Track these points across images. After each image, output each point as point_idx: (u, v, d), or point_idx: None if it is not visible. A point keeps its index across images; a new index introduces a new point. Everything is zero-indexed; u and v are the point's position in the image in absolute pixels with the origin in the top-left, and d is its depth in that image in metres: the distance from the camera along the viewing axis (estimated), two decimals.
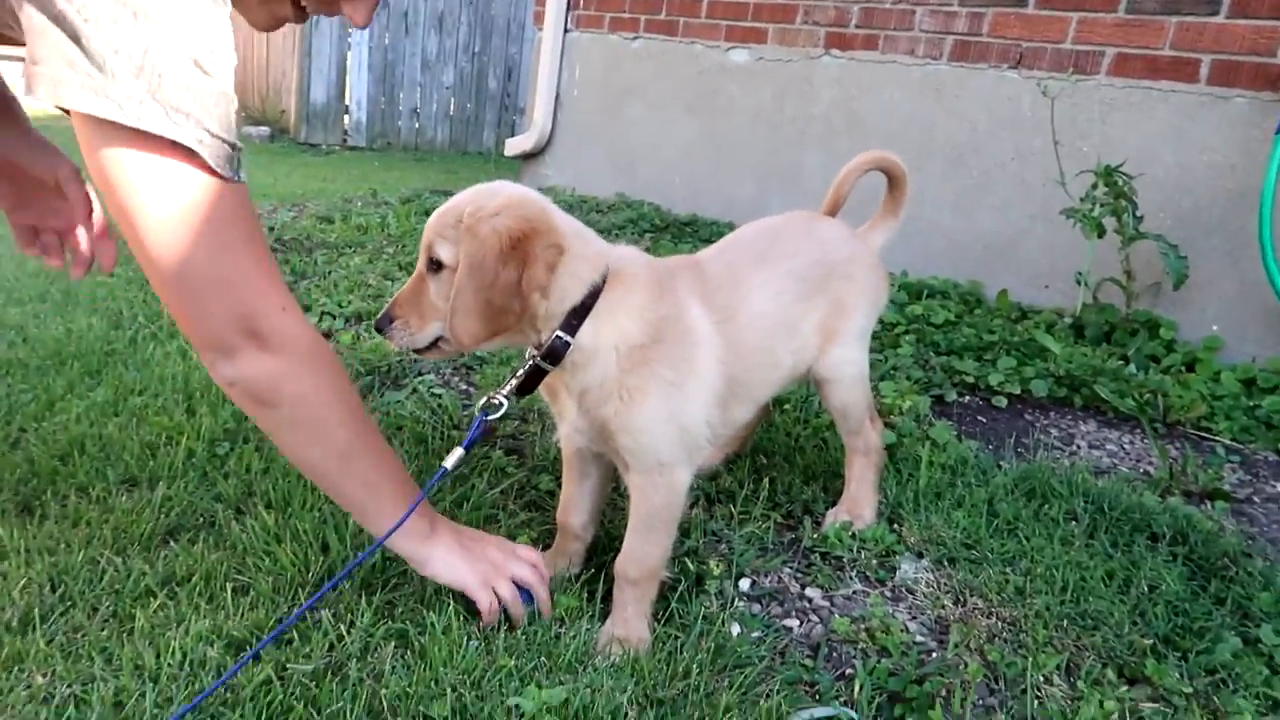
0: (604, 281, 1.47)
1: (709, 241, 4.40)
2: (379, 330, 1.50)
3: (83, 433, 2.02)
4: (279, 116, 9.76)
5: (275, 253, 3.62)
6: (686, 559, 1.71)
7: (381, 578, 1.61)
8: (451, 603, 1.49)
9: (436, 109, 10.11)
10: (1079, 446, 2.52)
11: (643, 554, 1.55)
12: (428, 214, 4.38)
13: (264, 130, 9.49)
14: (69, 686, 1.29)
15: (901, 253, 4.01)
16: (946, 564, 1.74)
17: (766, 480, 1.99)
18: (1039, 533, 1.82)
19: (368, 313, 2.92)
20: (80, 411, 2.12)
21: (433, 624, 1.45)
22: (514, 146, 6.01)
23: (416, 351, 1.52)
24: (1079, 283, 3.30)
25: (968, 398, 2.78)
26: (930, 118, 3.92)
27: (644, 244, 4.22)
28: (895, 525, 1.86)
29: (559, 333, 1.45)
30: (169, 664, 1.33)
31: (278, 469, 1.92)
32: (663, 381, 1.48)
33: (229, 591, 1.51)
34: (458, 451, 1.50)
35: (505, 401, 1.53)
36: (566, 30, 5.63)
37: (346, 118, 9.67)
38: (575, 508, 1.68)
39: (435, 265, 1.43)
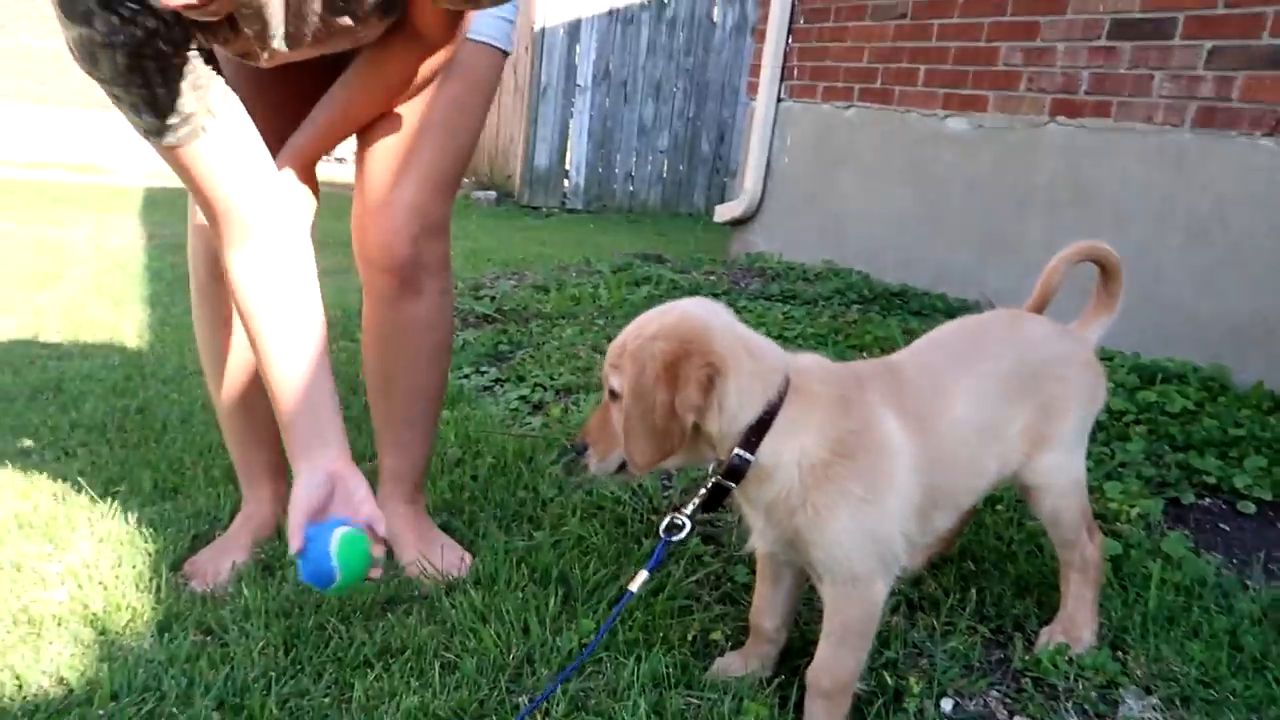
0: (782, 396, 1.47)
1: (919, 313, 4.30)
2: (575, 452, 1.57)
3: None
4: (505, 181, 10.41)
5: (494, 322, 3.84)
6: (884, 671, 1.64)
7: (581, 664, 1.65)
8: (642, 703, 1.50)
9: (650, 172, 10.44)
10: None
11: (836, 665, 1.50)
12: (637, 284, 4.53)
13: (491, 194, 10.13)
14: None
15: (1132, 333, 3.72)
16: (1179, 704, 1.57)
17: (974, 590, 1.89)
18: None
19: (576, 386, 3.03)
20: None
21: (622, 719, 1.47)
22: (723, 213, 6.10)
23: (608, 476, 1.57)
24: None
25: (1208, 501, 2.52)
26: (1169, 188, 3.64)
27: (851, 315, 4.15)
28: (1119, 653, 1.70)
29: (738, 451, 1.45)
30: None
31: (485, 547, 2.02)
32: (853, 498, 1.45)
33: (437, 668, 1.60)
34: (642, 575, 1.53)
35: (688, 522, 1.55)
36: (779, 99, 5.69)
37: (566, 181, 10.16)
38: (768, 610, 1.66)
39: (613, 394, 1.49)
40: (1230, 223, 3.44)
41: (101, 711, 1.48)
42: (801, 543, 1.47)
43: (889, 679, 1.62)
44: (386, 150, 1.84)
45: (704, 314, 1.49)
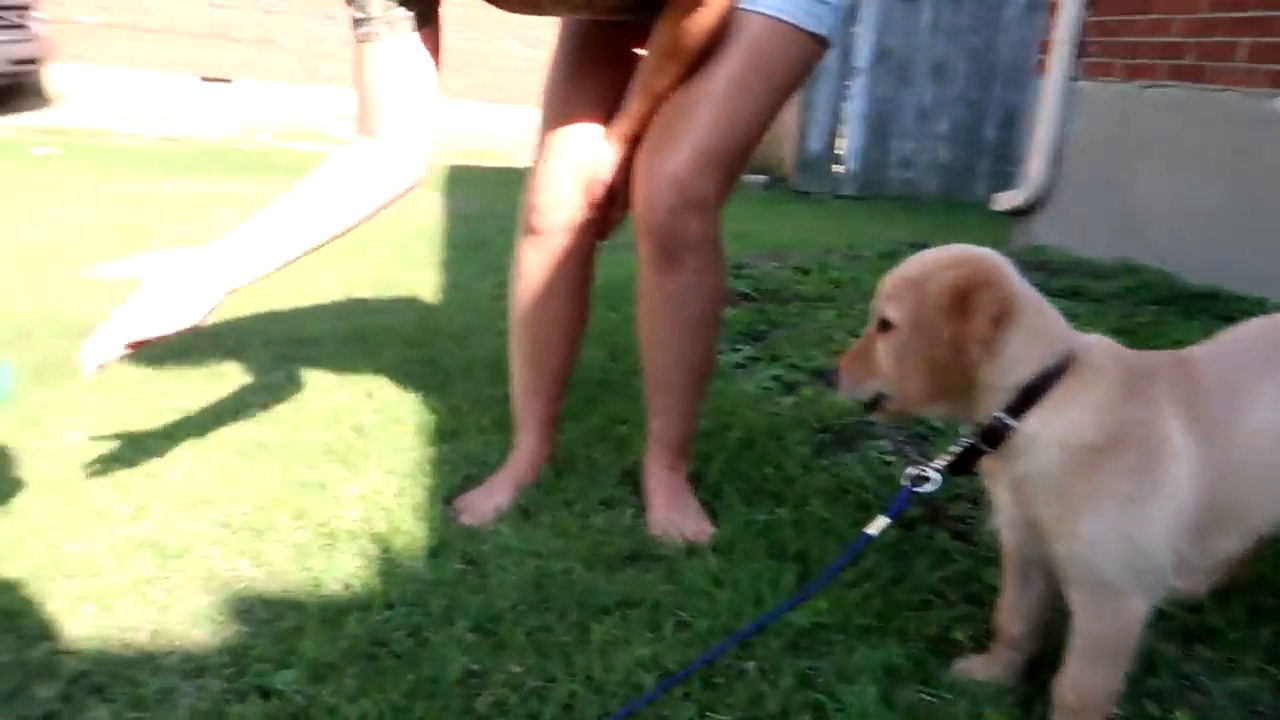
0: (1062, 366, 1.37)
1: (1229, 318, 3.83)
2: (825, 379, 1.56)
3: (574, 453, 2.34)
4: (777, 165, 10.39)
5: (753, 301, 3.87)
6: (1147, 700, 1.50)
7: (810, 640, 1.64)
8: (873, 690, 1.47)
9: (929, 158, 10.02)
10: None
11: (1084, 683, 1.40)
12: None
13: (761, 178, 10.15)
14: (534, 680, 1.51)
15: None
16: None
17: (1267, 629, 1.68)
18: None
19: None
20: (576, 435, 2.45)
21: (850, 704, 1.45)
22: (1003, 202, 5.75)
23: (863, 407, 1.53)
24: None
25: None
26: None
27: (1145, 316, 3.78)
28: None
29: (1000, 414, 1.37)
30: (613, 680, 1.49)
31: (727, 517, 2.05)
32: (1116, 494, 1.33)
33: (670, 624, 1.66)
34: (881, 520, 1.50)
35: (935, 475, 1.49)
36: (1073, 78, 5.26)
37: (838, 167, 9.98)
38: (1015, 614, 1.56)
39: (884, 325, 1.44)
40: None
41: (377, 617, 1.67)
42: (1048, 535, 1.37)
43: (1153, 710, 1.48)
44: (662, 119, 1.91)
45: (995, 256, 1.43)
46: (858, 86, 9.72)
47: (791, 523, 2.01)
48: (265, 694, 1.48)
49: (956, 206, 9.74)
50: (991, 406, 1.39)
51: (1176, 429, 1.37)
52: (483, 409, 2.63)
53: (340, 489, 2.15)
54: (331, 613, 1.68)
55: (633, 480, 2.21)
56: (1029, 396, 1.37)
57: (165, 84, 11.49)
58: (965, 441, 1.45)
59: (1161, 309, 3.92)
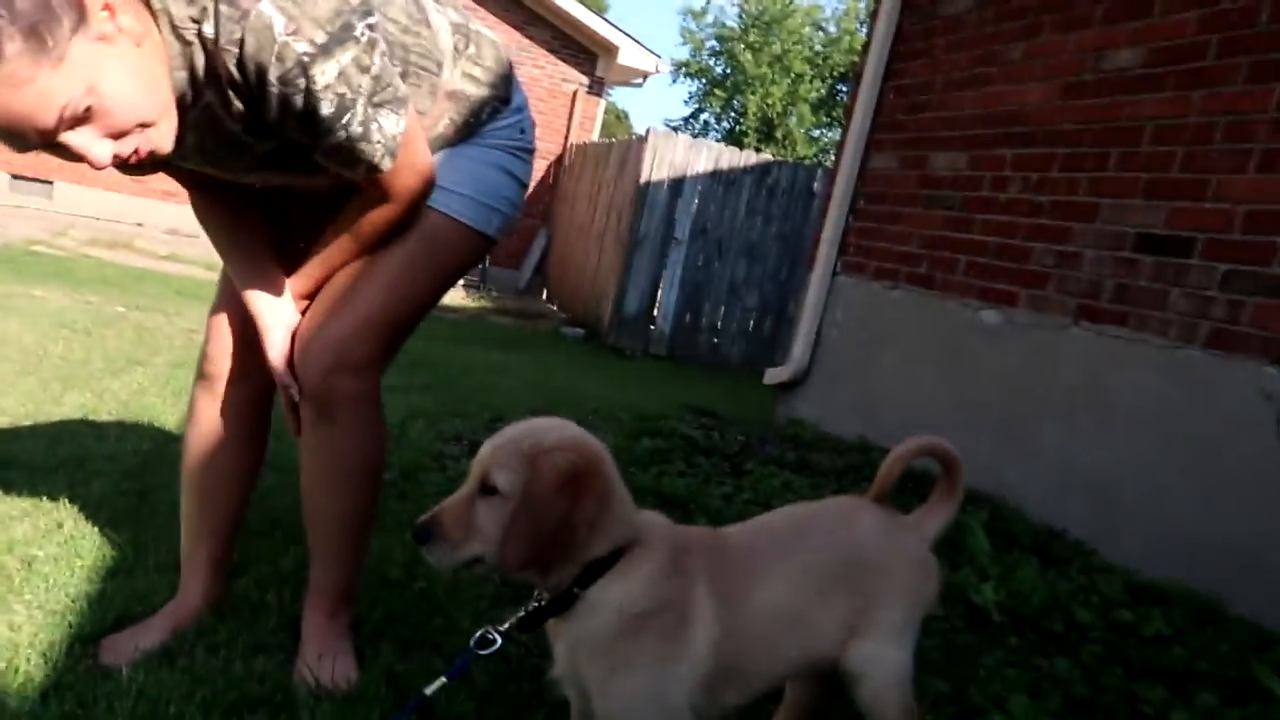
0: (628, 544, 1.57)
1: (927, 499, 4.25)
2: (417, 539, 1.56)
3: (248, 596, 2.37)
4: (595, 321, 10.82)
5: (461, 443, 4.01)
6: None
7: None
8: None
9: (736, 328, 10.69)
10: None
11: None
12: (651, 435, 4.66)
13: (579, 331, 10.55)
14: None
15: (1136, 550, 3.60)
16: None
17: None
18: None
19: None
20: (260, 577, 2.49)
21: None
22: (772, 376, 6.23)
23: (450, 568, 1.63)
24: None
25: None
26: (1179, 404, 3.58)
27: (856, 492, 4.15)
28: None
29: (574, 586, 1.54)
30: None
31: (373, 665, 2.13)
32: (653, 655, 1.52)
33: None
34: (439, 681, 1.62)
35: (499, 639, 1.64)
36: (835, 273, 5.87)
37: (652, 328, 10.50)
38: None
39: (487, 490, 1.53)
40: (1235, 447, 3.36)
41: None
42: (591, 692, 1.54)
43: None
44: (332, 287, 2.08)
45: (597, 441, 1.60)
46: (676, 256, 10.39)
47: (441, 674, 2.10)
48: None
49: (759, 374, 10.37)
50: (566, 576, 1.56)
51: (703, 597, 1.58)
52: (171, 545, 2.63)
53: None
54: None
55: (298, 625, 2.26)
56: (597, 569, 1.55)
57: None
58: (534, 604, 1.61)
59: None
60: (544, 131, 13.62)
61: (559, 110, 13.87)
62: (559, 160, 13.78)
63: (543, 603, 1.60)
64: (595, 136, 14.03)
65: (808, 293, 5.99)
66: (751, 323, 10.73)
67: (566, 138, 13.89)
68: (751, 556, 1.68)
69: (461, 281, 12.80)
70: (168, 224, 11.58)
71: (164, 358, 5.25)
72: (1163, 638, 2.91)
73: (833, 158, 10.45)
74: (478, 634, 1.66)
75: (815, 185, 10.56)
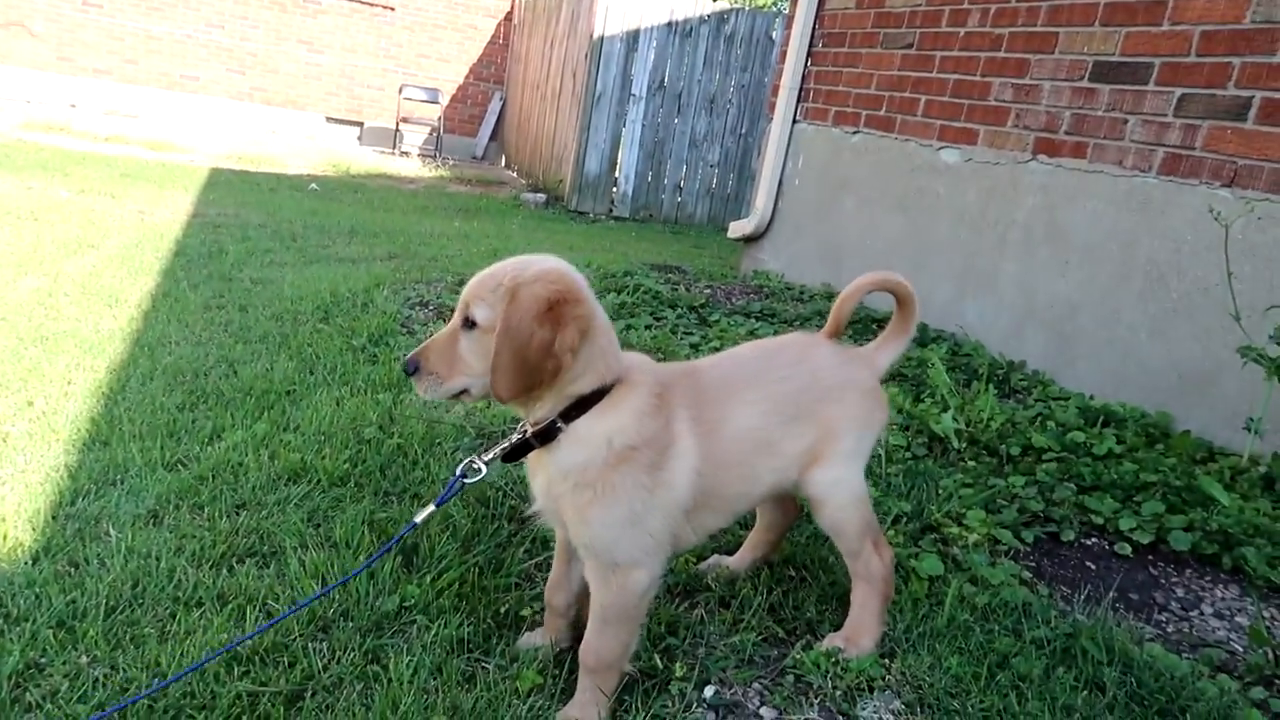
0: (613, 384, 1.61)
1: None
2: (406, 372, 1.63)
3: (229, 459, 2.42)
4: (556, 185, 10.66)
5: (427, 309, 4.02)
6: (658, 655, 1.76)
7: (393, 623, 1.81)
8: (428, 659, 1.66)
9: (699, 186, 10.58)
10: (1202, 614, 2.25)
11: (599, 646, 1.63)
12: (617, 291, 4.68)
13: (540, 197, 10.39)
14: (98, 670, 1.60)
15: (1091, 374, 3.73)
16: (918, 709, 1.66)
17: (781, 592, 1.99)
18: (1043, 696, 1.68)
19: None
20: (236, 440, 2.53)
21: (400, 673, 1.62)
22: (736, 229, 6.21)
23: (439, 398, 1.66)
24: (1249, 429, 2.93)
25: (1093, 541, 2.56)
26: (1134, 233, 3.64)
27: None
28: (887, 660, 1.79)
29: (558, 419, 1.59)
30: (179, 667, 1.60)
31: (351, 514, 2.20)
32: (636, 485, 1.58)
33: (255, 614, 1.78)
34: (429, 509, 1.68)
35: (484, 468, 1.69)
36: (795, 121, 5.78)
37: (615, 189, 10.36)
38: (560, 586, 1.80)
39: (470, 324, 1.57)
40: (1186, 271, 3.44)
41: None
42: (569, 521, 1.60)
43: (659, 662, 1.74)
44: None
45: (576, 273, 1.62)
46: (635, 113, 10.16)
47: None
48: None
49: (720, 231, 10.34)
50: (551, 409, 1.60)
51: (684, 430, 1.64)
52: (146, 418, 2.66)
53: None
54: None
55: (276, 487, 2.31)
56: (582, 404, 1.59)
57: None
58: (517, 437, 1.66)
59: (851, 331, 4.39)
60: None
61: None
62: (508, 17, 13.23)
63: (527, 434, 1.63)
64: None
65: (768, 143, 5.92)
66: (714, 179, 10.61)
67: None
68: (727, 385, 1.73)
69: (417, 151, 12.51)
70: (104, 104, 11.11)
71: (115, 240, 5.13)
72: (1114, 455, 3.05)
73: (789, 1, 10.19)
74: (463, 463, 1.71)
75: (774, 33, 10.27)
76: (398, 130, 12.30)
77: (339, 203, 8.33)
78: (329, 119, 12.42)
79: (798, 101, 5.77)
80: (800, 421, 1.74)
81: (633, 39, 9.94)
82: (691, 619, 1.89)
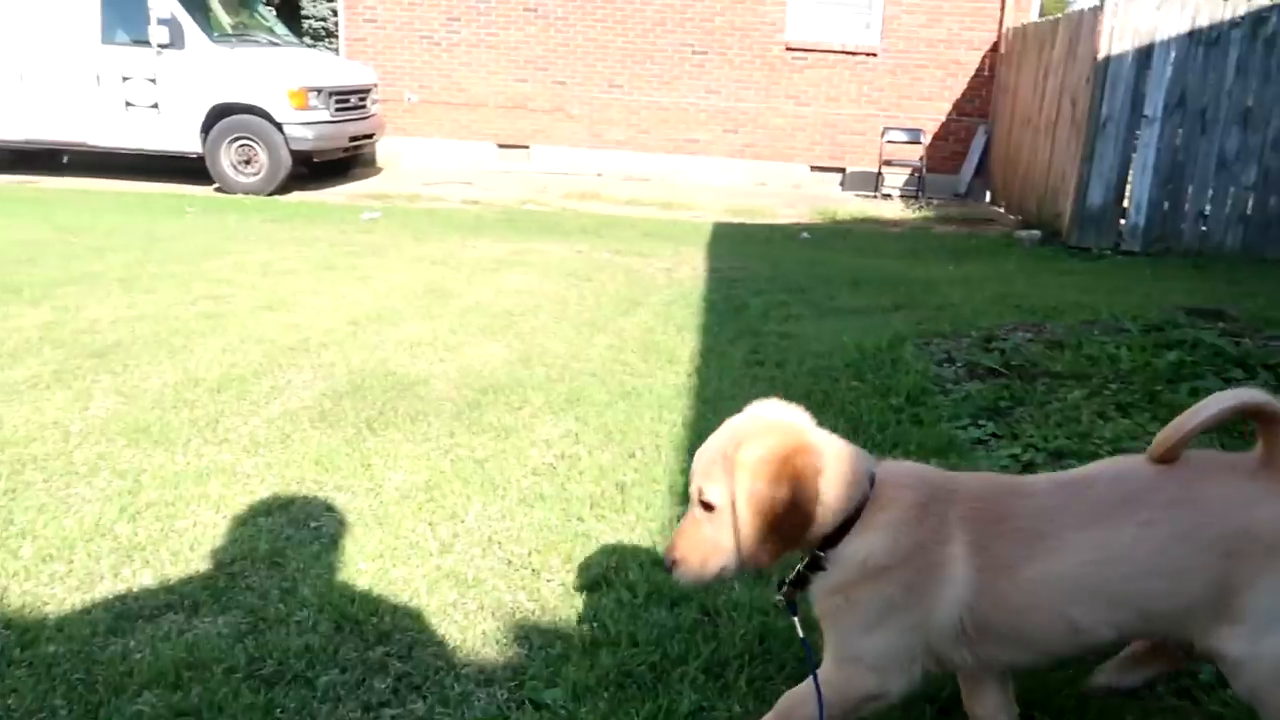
0: (868, 495, 1.57)
1: None
2: (666, 570, 1.67)
3: None
4: (1052, 220, 9.98)
5: (999, 376, 3.89)
6: None
7: None
8: None
9: (1229, 212, 9.23)
10: None
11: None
12: (1169, 347, 4.20)
13: (1035, 234, 9.81)
14: None
15: None
16: None
17: None
18: None
19: (1069, 451, 3.01)
20: None
21: None
22: None
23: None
24: None
25: None
26: None
27: None
28: None
29: (819, 550, 1.59)
30: None
31: None
32: (884, 598, 1.54)
33: None
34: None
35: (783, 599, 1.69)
36: None
37: (1122, 221, 9.43)
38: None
39: (708, 506, 1.59)
40: None
41: (625, 653, 2.02)
42: (824, 630, 1.62)
43: None
44: None
45: (789, 413, 1.63)
46: (1147, 136, 9.17)
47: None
48: (537, 706, 1.85)
49: (1264, 263, 8.87)
50: (814, 540, 1.59)
51: (958, 556, 1.52)
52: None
53: (603, 539, 2.53)
54: (589, 645, 2.03)
55: None
56: (844, 527, 1.57)
57: (469, 152, 12.99)
58: (794, 573, 1.65)
59: None
60: (974, 18, 12.69)
61: None
62: (994, 48, 12.76)
63: (800, 569, 1.63)
64: (1034, 16, 12.76)
65: None
66: (1250, 203, 9.18)
67: (1001, 23, 12.80)
68: (1049, 517, 1.55)
69: (898, 192, 12.54)
70: (623, 171, 12.73)
71: (655, 297, 5.79)
72: None
73: None
74: (778, 598, 1.70)
75: None
76: (879, 173, 12.43)
77: (831, 250, 8.61)
78: (813, 168, 12.94)
79: None
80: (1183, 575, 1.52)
81: (1144, 56, 9.02)
82: None
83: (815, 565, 1.62)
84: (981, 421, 3.37)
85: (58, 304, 5.00)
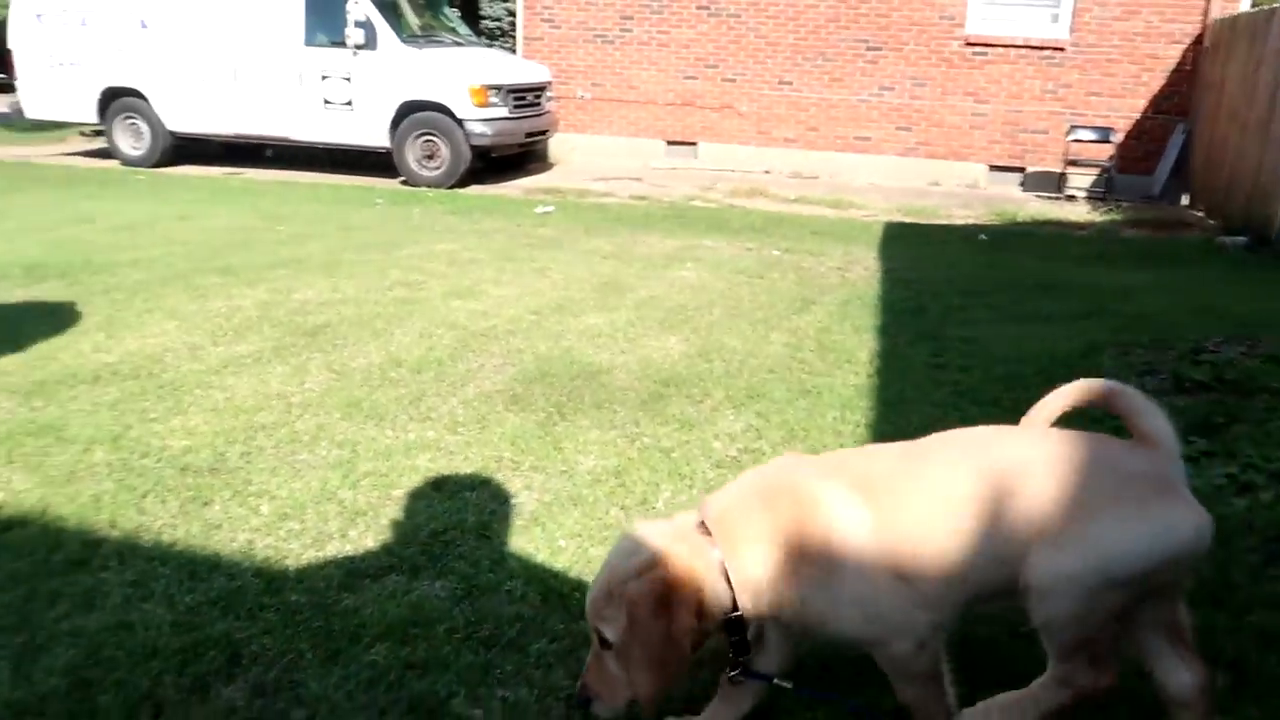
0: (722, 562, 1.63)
1: None
2: (578, 705, 1.72)
3: None
4: (1263, 224, 9.24)
5: (1210, 391, 3.66)
6: None
7: None
8: None
9: None
10: None
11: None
12: None
13: (1240, 239, 9.11)
14: None
15: None
16: None
17: None
18: None
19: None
20: None
21: None
22: None
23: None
24: None
25: None
26: None
27: None
28: None
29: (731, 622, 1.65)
30: None
31: None
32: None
33: None
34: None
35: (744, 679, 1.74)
36: None
37: None
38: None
39: (605, 642, 1.62)
40: None
41: None
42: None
43: None
44: None
45: (666, 537, 1.63)
46: None
47: (1228, 629, 2.02)
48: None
49: None
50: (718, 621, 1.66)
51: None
52: None
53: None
54: None
55: None
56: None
57: (638, 148, 13.20)
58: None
59: None
60: (1175, 10, 11.87)
61: None
62: (1197, 41, 11.90)
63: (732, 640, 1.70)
64: (1245, 7, 11.83)
65: None
66: None
67: (1205, 14, 11.92)
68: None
69: (1084, 194, 11.91)
70: (790, 168, 12.63)
71: (830, 297, 5.73)
72: None
73: None
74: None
75: None
76: (1063, 173, 11.83)
77: (1012, 252, 8.27)
78: (991, 167, 12.46)
79: None
80: None
81: None
82: None
83: (738, 629, 1.67)
84: (1192, 438, 3.17)
85: (271, 286, 5.43)
